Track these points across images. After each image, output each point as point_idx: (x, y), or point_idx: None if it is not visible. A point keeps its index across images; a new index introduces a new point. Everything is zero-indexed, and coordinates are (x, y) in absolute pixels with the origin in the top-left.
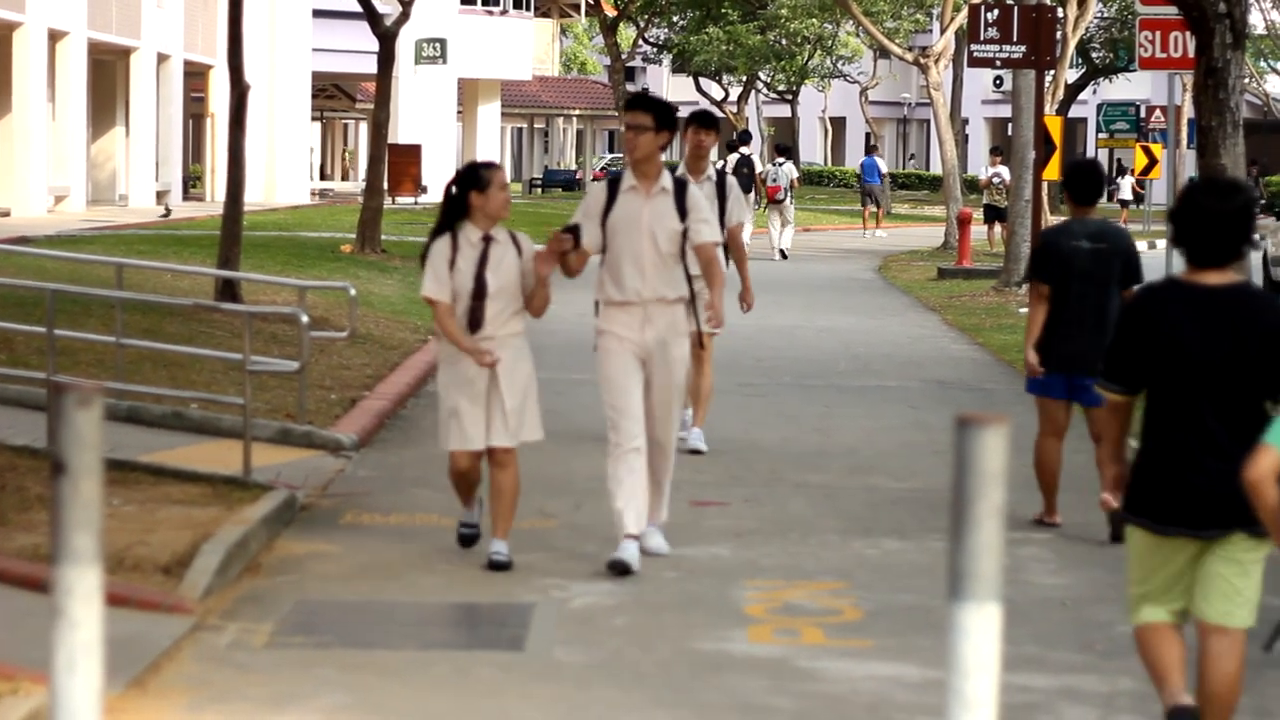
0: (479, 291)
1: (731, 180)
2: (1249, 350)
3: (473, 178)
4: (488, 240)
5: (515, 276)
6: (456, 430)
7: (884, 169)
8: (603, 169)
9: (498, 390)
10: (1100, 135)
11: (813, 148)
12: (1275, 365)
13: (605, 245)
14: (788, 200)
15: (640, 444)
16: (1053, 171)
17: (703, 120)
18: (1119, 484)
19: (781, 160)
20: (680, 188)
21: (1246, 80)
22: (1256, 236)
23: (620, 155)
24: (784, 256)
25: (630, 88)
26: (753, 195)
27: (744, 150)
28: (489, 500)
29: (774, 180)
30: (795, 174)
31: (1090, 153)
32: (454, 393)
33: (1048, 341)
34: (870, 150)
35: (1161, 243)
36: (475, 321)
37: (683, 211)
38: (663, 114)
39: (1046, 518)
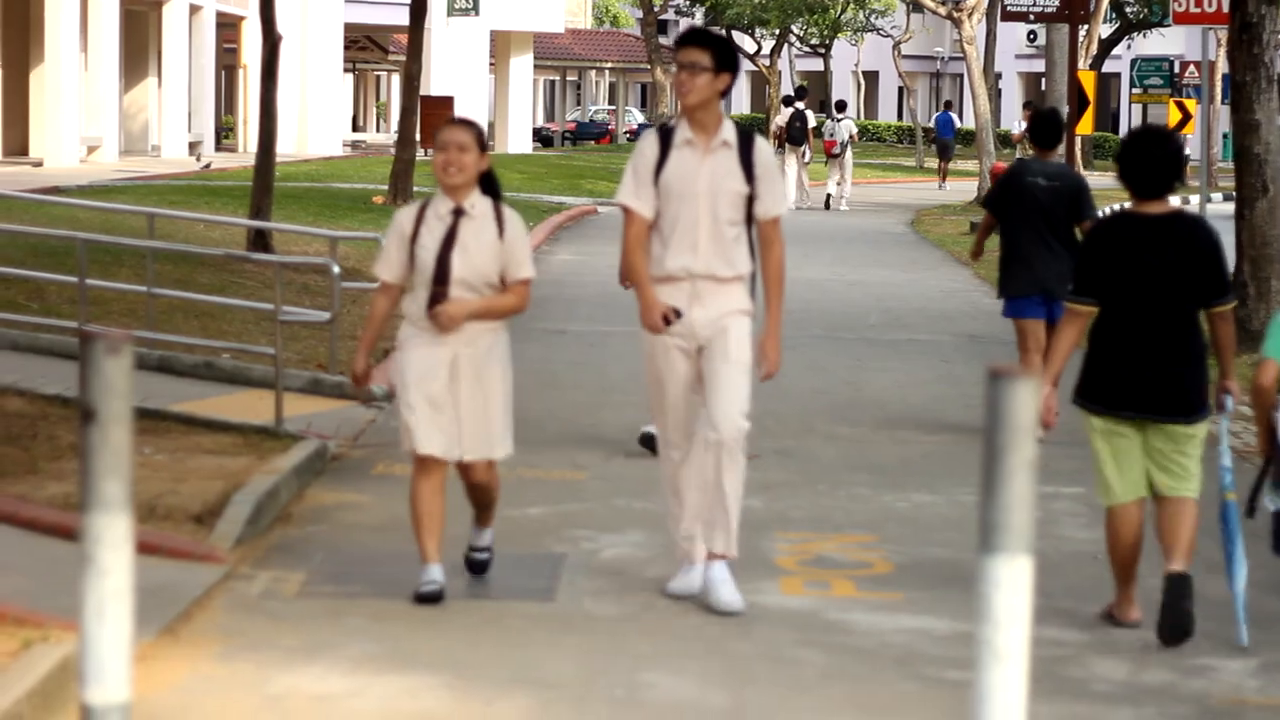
0: (440, 275)
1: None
2: (1188, 265)
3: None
4: (458, 214)
5: (490, 260)
6: (421, 428)
7: (958, 124)
8: (639, 126)
9: (459, 394)
10: (1134, 90)
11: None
12: (1209, 276)
13: (659, 210)
14: (846, 155)
15: (686, 442)
16: (1086, 126)
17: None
18: (1054, 407)
19: (840, 116)
20: (746, 141)
21: None
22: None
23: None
24: (826, 207)
25: (662, 40)
26: (807, 148)
27: (799, 105)
28: (467, 497)
29: (831, 135)
30: (854, 129)
31: (1125, 109)
32: (413, 389)
33: (1015, 268)
34: (946, 105)
35: (1194, 199)
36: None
37: (749, 171)
38: (723, 52)
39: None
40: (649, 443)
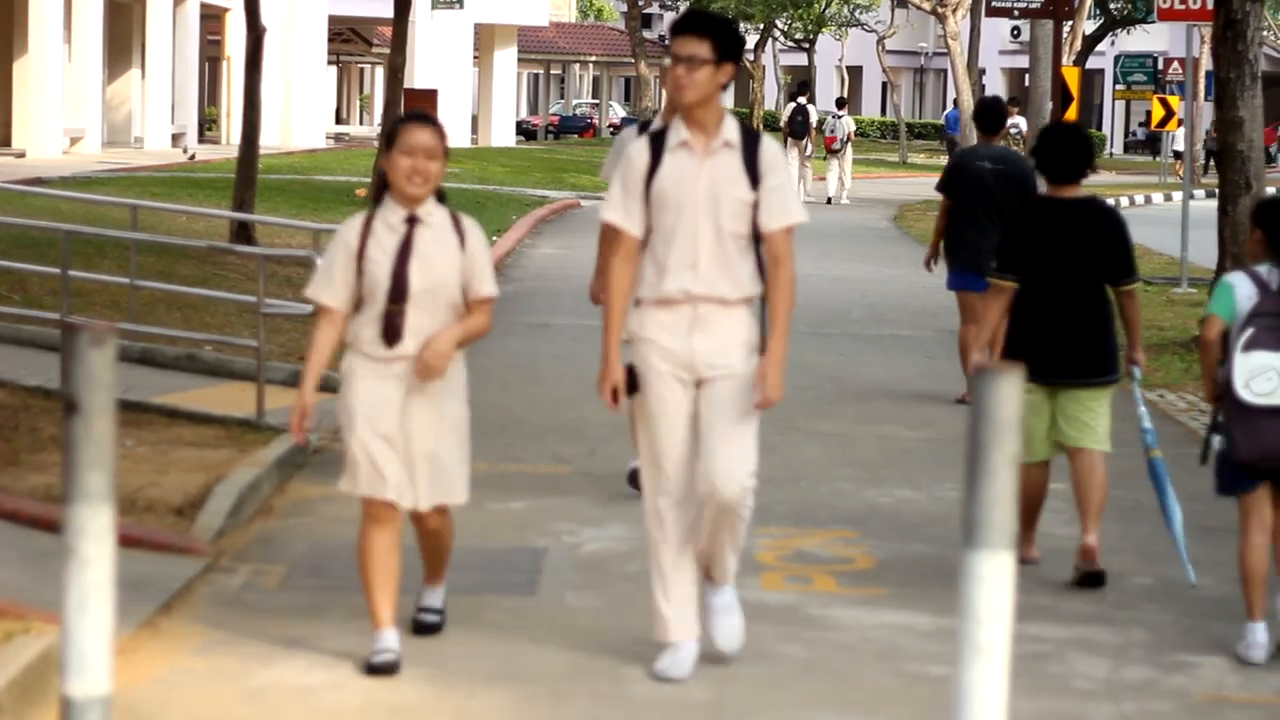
0: (397, 292)
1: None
2: (1099, 246)
3: (391, 132)
4: (413, 222)
5: (452, 276)
6: (369, 470)
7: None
8: (621, 120)
9: (412, 431)
10: (1118, 87)
11: (829, 97)
12: (1117, 257)
13: (651, 223)
14: (845, 151)
15: (683, 495)
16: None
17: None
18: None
19: (840, 113)
20: (751, 141)
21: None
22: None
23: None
24: (844, 204)
25: (646, 35)
26: (808, 142)
27: (801, 100)
28: (418, 545)
29: (831, 131)
30: (852, 126)
31: (1108, 105)
32: (363, 427)
33: (960, 245)
34: (955, 103)
35: (1178, 195)
36: (391, 332)
37: (754, 175)
38: (725, 39)
39: (968, 398)
40: (637, 480)
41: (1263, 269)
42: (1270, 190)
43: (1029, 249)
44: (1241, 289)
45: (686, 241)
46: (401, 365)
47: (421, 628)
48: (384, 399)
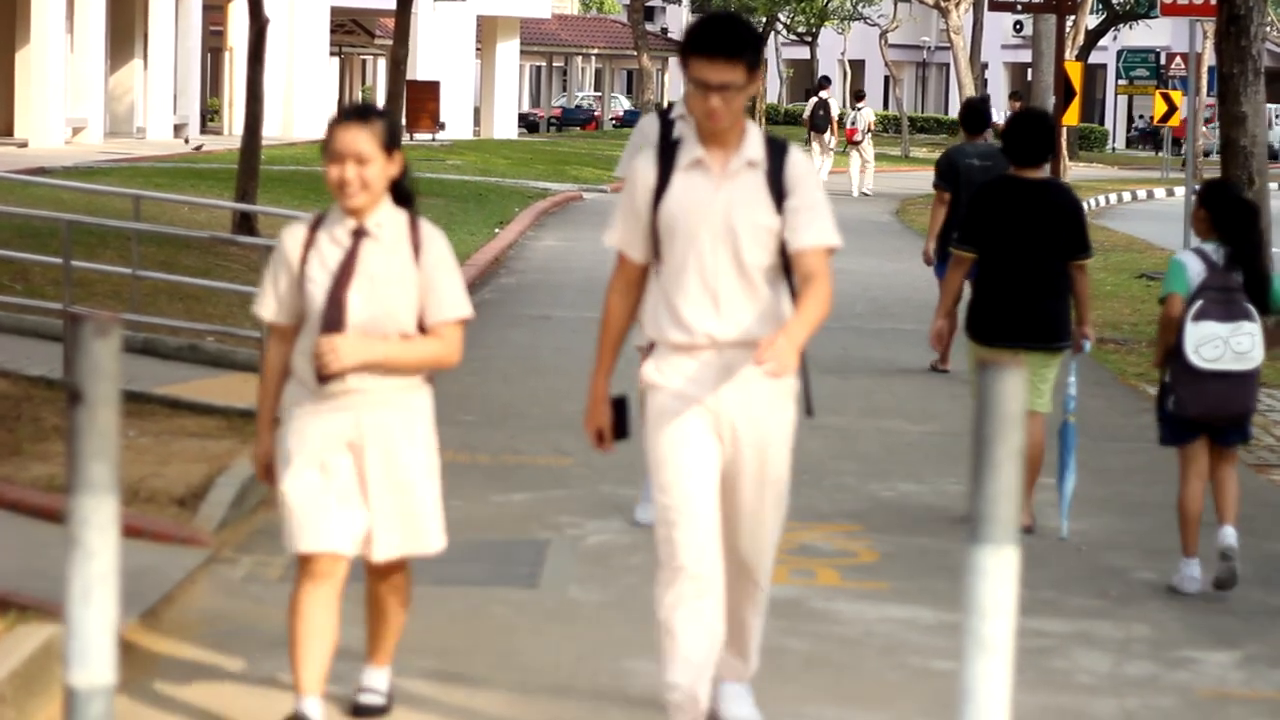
0: (333, 318)
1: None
2: (1055, 223)
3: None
4: (359, 235)
5: (403, 296)
6: (305, 518)
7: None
8: (624, 113)
9: (366, 474)
10: (1120, 82)
11: (832, 90)
12: (1072, 233)
13: (659, 251)
14: (865, 142)
15: (710, 569)
16: (1072, 117)
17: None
18: (944, 334)
19: (860, 105)
20: (777, 155)
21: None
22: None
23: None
24: (866, 196)
25: (649, 27)
26: (830, 136)
27: (823, 94)
28: (366, 614)
29: (852, 123)
30: (872, 118)
31: (1111, 100)
32: (295, 467)
33: (948, 238)
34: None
35: (1180, 190)
36: (323, 368)
37: (779, 195)
38: (756, 53)
39: (940, 365)
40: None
41: (1209, 247)
42: (1273, 185)
43: (992, 224)
44: (1192, 266)
45: (704, 275)
46: (351, 399)
47: (361, 710)
48: (327, 435)
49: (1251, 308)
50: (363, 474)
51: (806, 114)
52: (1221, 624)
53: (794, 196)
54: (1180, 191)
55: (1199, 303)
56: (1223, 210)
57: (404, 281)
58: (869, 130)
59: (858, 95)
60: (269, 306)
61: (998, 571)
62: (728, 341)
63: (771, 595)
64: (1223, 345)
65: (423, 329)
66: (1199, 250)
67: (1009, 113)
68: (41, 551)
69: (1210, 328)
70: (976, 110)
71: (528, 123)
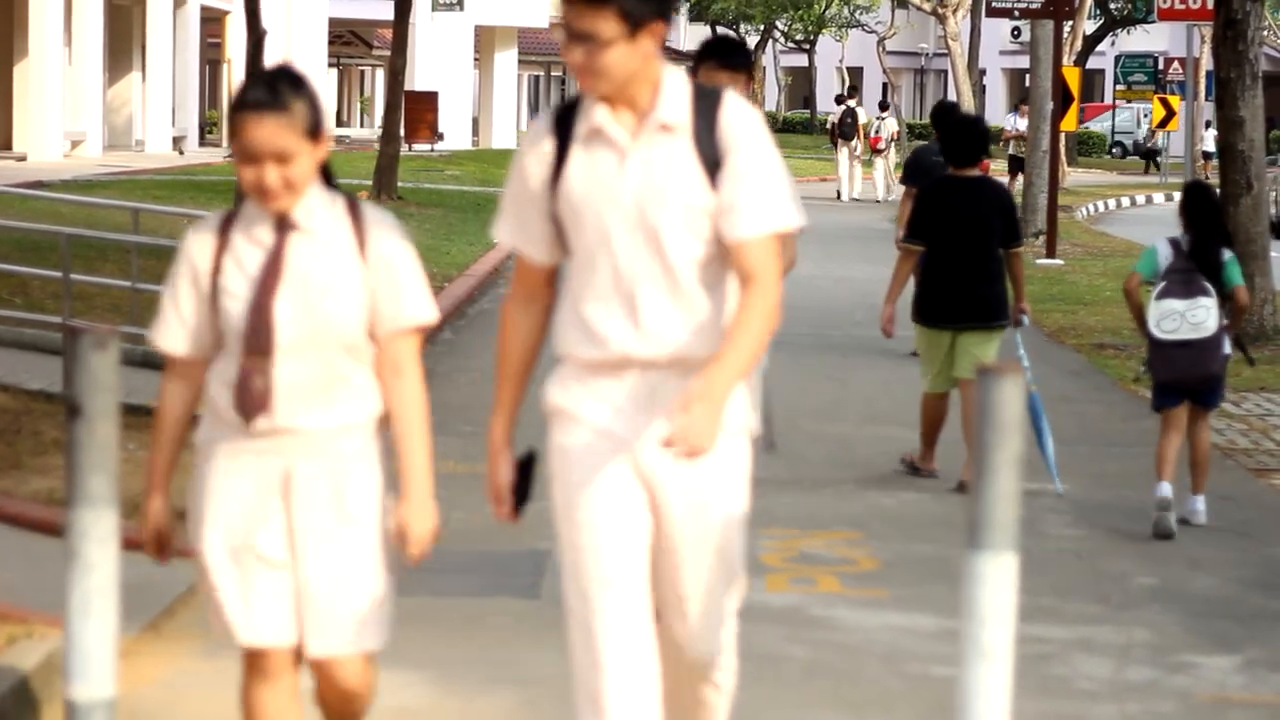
0: (255, 339)
1: (735, 118)
2: (991, 215)
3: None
4: (284, 229)
5: (346, 302)
6: (238, 605)
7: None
8: None
9: (298, 540)
10: (1118, 87)
11: (830, 98)
12: (1006, 224)
13: (566, 245)
14: (890, 150)
15: (644, 676)
16: (1070, 123)
17: (724, 54)
18: (894, 320)
19: (884, 115)
20: (706, 109)
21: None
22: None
23: None
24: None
25: None
26: (857, 143)
27: (850, 103)
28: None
29: (876, 131)
30: (896, 127)
31: (1110, 103)
32: (215, 538)
33: None
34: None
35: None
36: (248, 400)
37: (712, 162)
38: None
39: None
40: None
41: (1183, 237)
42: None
43: (935, 219)
44: (1162, 251)
45: (614, 276)
46: (278, 441)
47: None
48: (253, 491)
49: (1209, 286)
50: (296, 539)
51: (834, 121)
52: (1222, 628)
53: (729, 164)
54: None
55: (1163, 283)
56: (1191, 206)
57: (346, 282)
58: (894, 139)
59: (882, 105)
60: (170, 335)
61: (996, 578)
62: (651, 361)
63: (772, 603)
64: (1179, 319)
65: (373, 338)
66: (1173, 239)
67: (1018, 119)
68: (42, 565)
69: (1169, 304)
70: (939, 111)
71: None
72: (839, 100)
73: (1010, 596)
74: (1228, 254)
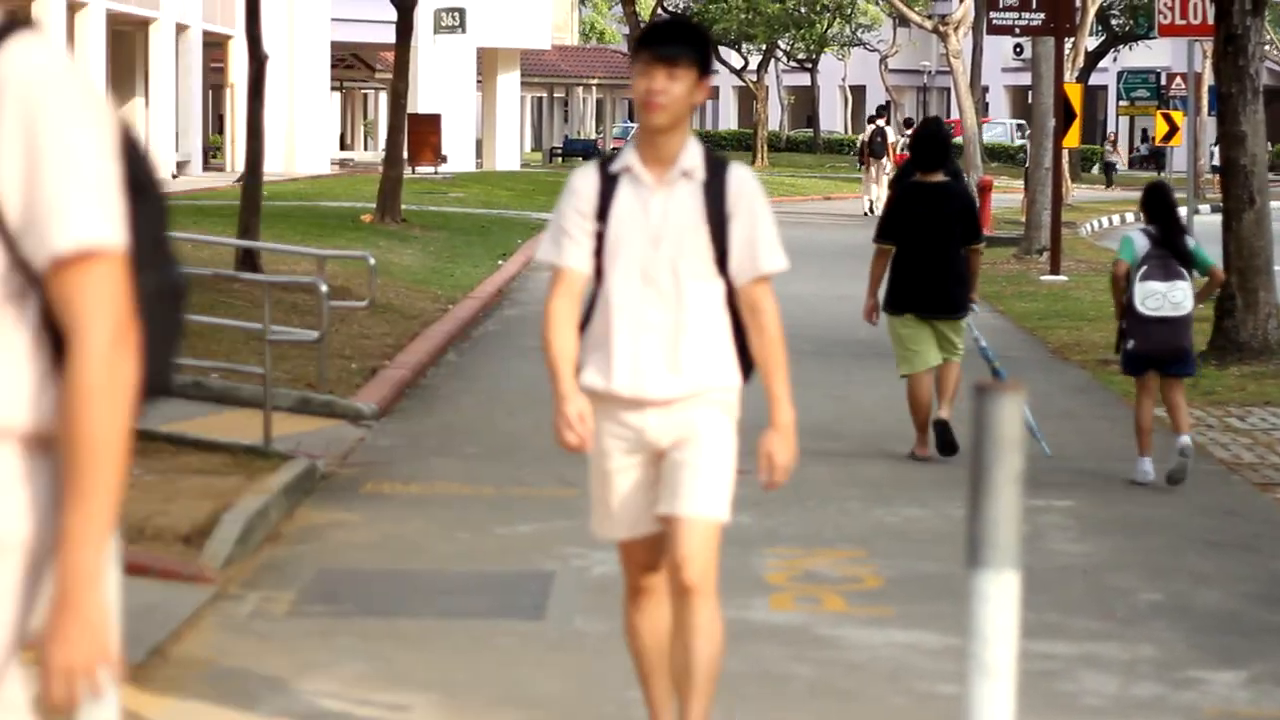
0: None
1: (741, 181)
2: (954, 216)
3: None
4: None
5: None
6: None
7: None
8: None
9: None
10: (1121, 103)
11: (833, 116)
12: (967, 225)
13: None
14: None
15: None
16: (1073, 139)
17: (659, 40)
18: (875, 310)
19: (909, 132)
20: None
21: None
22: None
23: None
24: None
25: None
26: (886, 161)
27: (880, 122)
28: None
29: (902, 149)
30: None
31: (1112, 121)
32: None
33: None
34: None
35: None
36: None
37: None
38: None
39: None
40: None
41: (1152, 228)
42: (1275, 204)
43: (904, 220)
44: (1138, 241)
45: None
46: None
47: None
48: None
49: (1183, 269)
50: None
51: (864, 140)
52: (1228, 644)
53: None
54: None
55: (1145, 267)
56: (1152, 203)
57: None
58: None
59: (907, 124)
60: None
61: (998, 596)
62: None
63: (777, 622)
64: (1162, 298)
65: None
66: (1145, 230)
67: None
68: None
69: (1152, 285)
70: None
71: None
72: (870, 120)
73: (1013, 614)
74: (1192, 241)
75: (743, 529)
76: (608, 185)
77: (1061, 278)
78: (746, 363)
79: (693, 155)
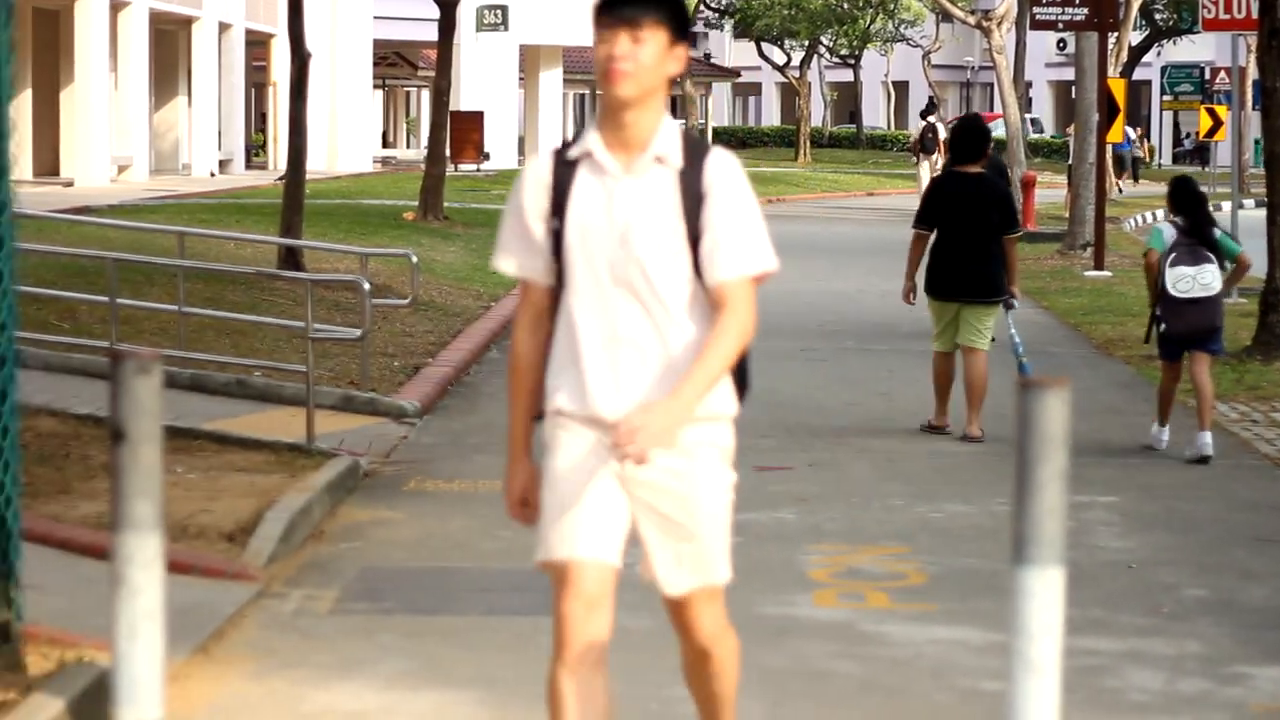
0: None
1: (721, 166)
2: (990, 205)
3: None
4: None
5: None
6: None
7: (1134, 136)
8: None
9: None
10: (1165, 97)
11: (876, 112)
12: (1003, 214)
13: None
14: None
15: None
16: (1116, 135)
17: (625, 1)
18: (912, 292)
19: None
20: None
21: None
22: None
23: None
24: None
25: (692, 54)
26: (938, 157)
27: (930, 118)
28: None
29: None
30: None
31: (1155, 115)
32: None
33: None
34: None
35: (1227, 205)
36: None
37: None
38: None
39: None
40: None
41: (1179, 219)
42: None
43: (942, 209)
44: (1167, 231)
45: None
46: None
47: None
48: None
49: (1210, 254)
50: None
51: (916, 138)
52: (1275, 639)
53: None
54: (1227, 206)
55: (1173, 254)
56: (1179, 197)
57: None
58: None
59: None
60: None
61: (1043, 592)
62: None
63: (820, 619)
64: (1191, 280)
65: None
66: (1172, 220)
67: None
68: (91, 589)
69: (1182, 270)
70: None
71: None
72: (922, 116)
73: (1058, 611)
74: (1218, 231)
75: (786, 525)
76: (563, 174)
77: (1105, 273)
78: (742, 382)
79: (668, 139)
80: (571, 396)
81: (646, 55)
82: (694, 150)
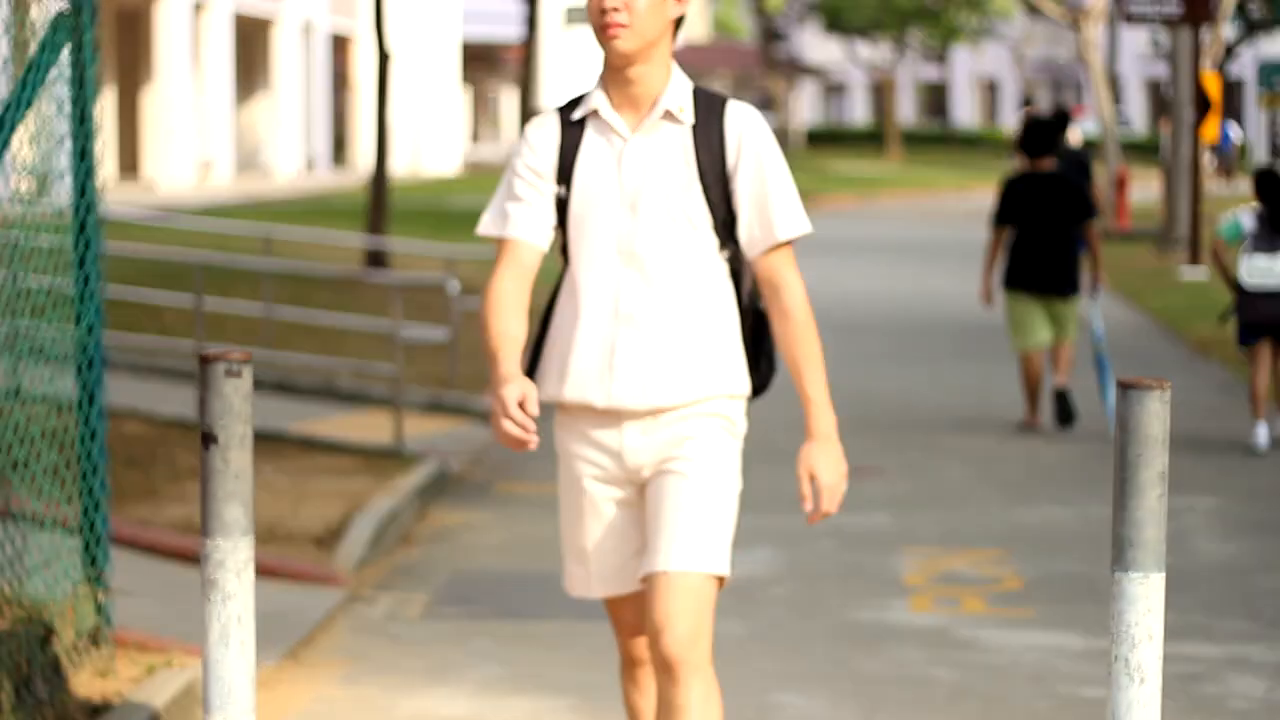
0: None
1: (745, 123)
2: (1064, 199)
3: None
4: None
5: None
6: None
7: (1234, 135)
8: None
9: None
10: (1260, 92)
11: (965, 110)
12: (1076, 207)
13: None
14: None
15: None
16: (1210, 130)
17: None
18: (989, 293)
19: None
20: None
21: None
22: None
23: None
24: None
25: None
26: None
27: (1030, 109)
28: None
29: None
30: (1081, 135)
31: (1251, 111)
32: None
33: None
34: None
35: None
36: None
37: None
38: None
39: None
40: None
41: (1261, 208)
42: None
43: (1019, 206)
44: (1246, 221)
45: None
46: None
47: None
48: None
49: None
50: None
51: (1018, 130)
52: None
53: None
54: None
55: (1250, 242)
56: (1263, 187)
57: None
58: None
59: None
60: None
61: (1144, 598)
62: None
63: (917, 624)
64: (1266, 271)
65: None
66: (1254, 209)
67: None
68: (180, 593)
69: (1258, 260)
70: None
71: None
72: (1024, 106)
73: (1158, 616)
74: None
75: (880, 529)
76: (570, 136)
77: (1201, 271)
78: (757, 366)
79: (678, 92)
80: (561, 380)
81: (643, 3)
82: (709, 104)
